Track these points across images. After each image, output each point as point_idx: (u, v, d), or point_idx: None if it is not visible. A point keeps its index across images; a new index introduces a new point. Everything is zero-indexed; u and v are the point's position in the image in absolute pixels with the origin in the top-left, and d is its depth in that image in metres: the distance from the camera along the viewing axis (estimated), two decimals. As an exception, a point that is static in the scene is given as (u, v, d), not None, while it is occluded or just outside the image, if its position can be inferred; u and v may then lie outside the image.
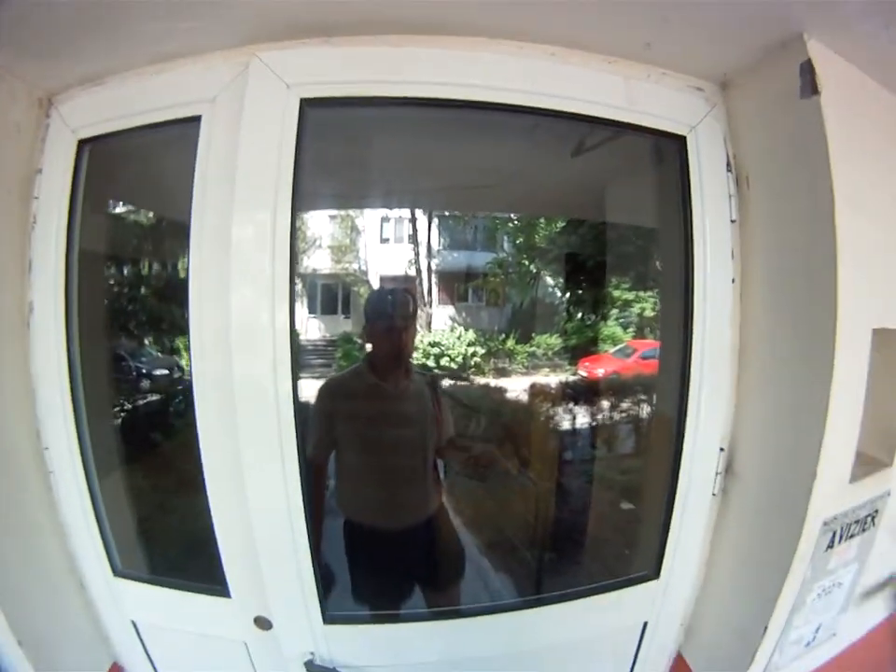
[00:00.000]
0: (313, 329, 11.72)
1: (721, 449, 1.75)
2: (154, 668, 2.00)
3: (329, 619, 1.75)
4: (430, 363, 8.84)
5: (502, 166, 2.71)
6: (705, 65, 1.65)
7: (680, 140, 1.69)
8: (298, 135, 1.52)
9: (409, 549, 2.46)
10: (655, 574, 1.85)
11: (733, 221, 1.69)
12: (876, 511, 1.70)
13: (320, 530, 2.33)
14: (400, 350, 2.42)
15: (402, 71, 1.54)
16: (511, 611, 1.90)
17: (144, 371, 5.78)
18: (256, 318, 1.53)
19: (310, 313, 11.85)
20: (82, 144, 1.74)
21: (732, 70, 1.65)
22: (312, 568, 1.68)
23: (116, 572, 1.90)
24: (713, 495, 1.78)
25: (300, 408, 1.60)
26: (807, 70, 1.41)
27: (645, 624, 1.92)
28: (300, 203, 1.53)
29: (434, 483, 2.49)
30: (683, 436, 1.74)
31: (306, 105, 1.52)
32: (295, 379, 1.58)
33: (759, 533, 1.66)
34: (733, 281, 1.70)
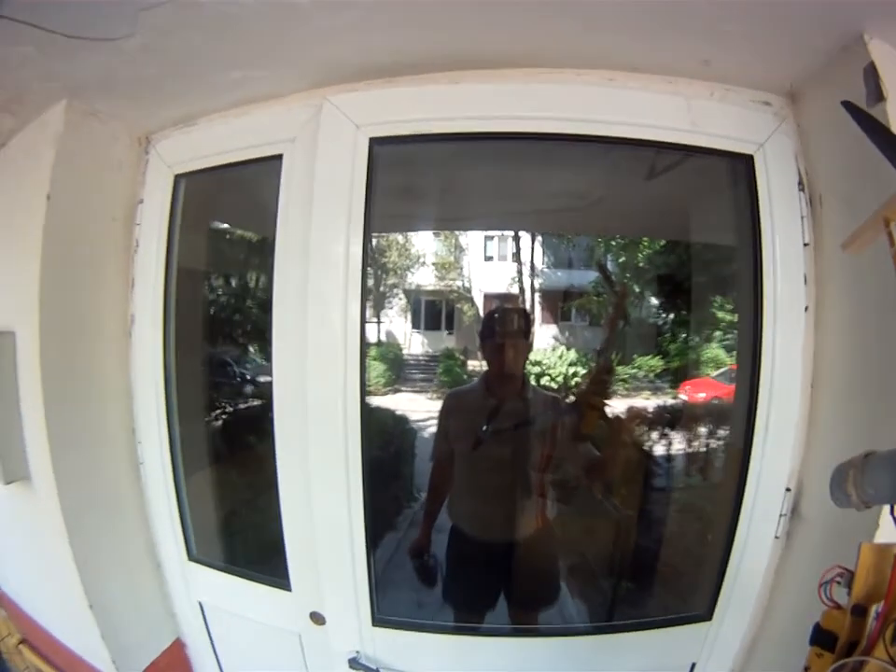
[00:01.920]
0: (416, 344, 11.96)
1: (788, 489, 1.64)
2: (213, 647, 2.18)
3: (377, 621, 1.82)
4: (531, 382, 8.78)
5: (584, 191, 2.73)
6: (769, 77, 1.57)
7: (747, 159, 1.62)
8: (368, 171, 1.63)
9: (502, 562, 2.47)
10: (708, 615, 1.78)
11: (806, 244, 1.59)
12: None
13: (430, 528, 2.55)
14: (512, 368, 2.44)
15: (460, 108, 1.60)
16: (558, 637, 1.91)
17: (248, 376, 6.07)
18: (329, 338, 1.66)
19: (413, 328, 12.11)
20: (178, 178, 1.98)
21: (797, 79, 1.55)
22: (367, 572, 1.77)
23: (191, 556, 2.10)
24: (776, 537, 1.67)
25: (368, 421, 1.71)
26: (871, 75, 1.29)
27: (693, 665, 1.83)
28: (387, 224, 1.66)
29: (537, 503, 2.49)
30: (747, 473, 1.65)
31: (375, 143, 1.63)
32: (363, 393, 1.68)
33: None
34: (806, 309, 1.59)
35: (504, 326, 2.54)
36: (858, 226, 1.11)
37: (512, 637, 1.97)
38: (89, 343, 1.89)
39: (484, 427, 2.39)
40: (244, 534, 2.56)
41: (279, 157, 1.77)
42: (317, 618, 1.86)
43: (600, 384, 2.52)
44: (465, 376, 9.87)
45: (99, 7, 1.29)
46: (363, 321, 1.67)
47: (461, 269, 12.19)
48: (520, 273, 11.66)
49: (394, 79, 1.66)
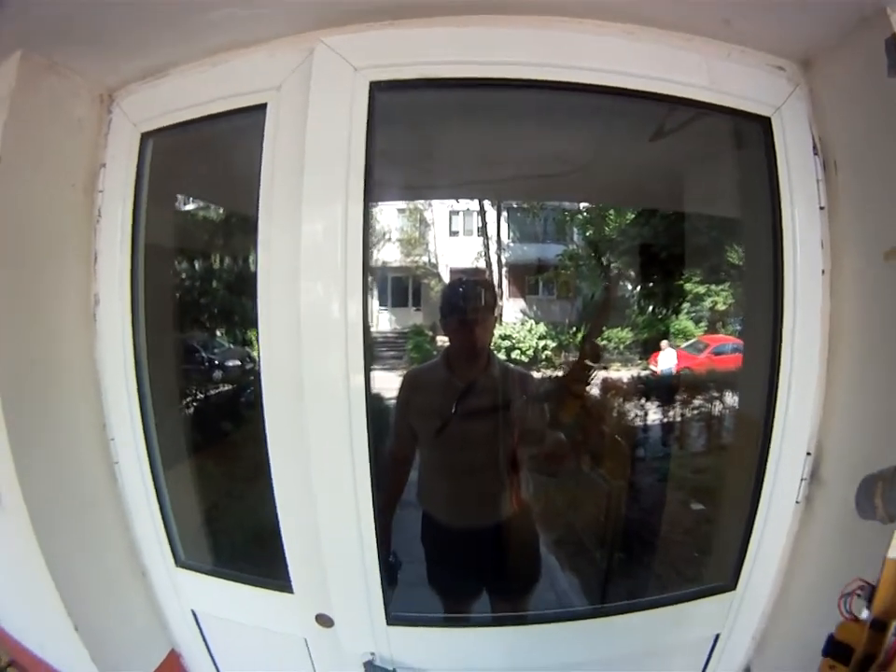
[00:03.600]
0: (383, 321, 11.86)
1: (809, 453, 1.63)
2: (212, 657, 2.04)
3: (392, 619, 1.72)
4: (501, 356, 8.82)
5: (578, 153, 2.63)
6: (785, 43, 1.55)
7: (765, 122, 1.58)
8: (369, 121, 1.48)
9: (482, 548, 2.39)
10: (732, 585, 1.75)
11: (821, 208, 1.58)
12: None
13: (390, 524, 2.31)
14: (474, 344, 2.32)
15: (473, 51, 1.48)
16: (580, 619, 1.84)
17: (216, 361, 5.93)
18: (327, 313, 1.50)
19: (380, 305, 12.01)
20: (145, 137, 1.77)
21: (814, 48, 1.54)
22: (378, 568, 1.65)
23: (178, 562, 1.92)
24: (797, 502, 1.67)
25: (372, 403, 1.56)
26: (893, 47, 1.30)
27: (717, 637, 1.82)
28: (372, 193, 1.50)
29: (512, 481, 2.39)
30: (770, 439, 1.63)
31: (376, 88, 1.49)
32: (368, 374, 1.54)
33: (843, 546, 1.54)
34: (822, 272, 1.58)
35: (465, 300, 2.42)
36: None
37: (537, 623, 1.89)
38: (47, 328, 1.68)
39: (453, 409, 2.27)
40: (234, 533, 2.45)
41: (262, 107, 1.59)
42: (324, 620, 1.74)
43: (582, 370, 2.46)
44: (434, 352, 9.83)
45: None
46: (365, 293, 1.51)
47: (427, 244, 12.11)
48: (486, 247, 11.62)
49: (396, 21, 1.51)
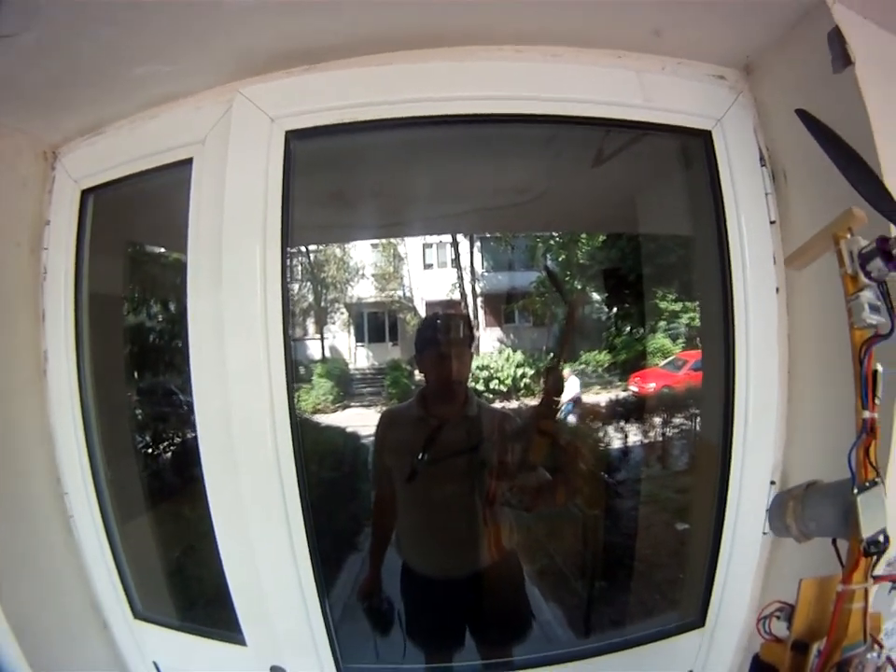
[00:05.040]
0: (361, 357, 11.83)
1: (772, 482, 1.57)
2: None
3: (343, 669, 1.67)
4: (480, 387, 8.77)
5: (528, 184, 2.61)
6: (723, 50, 1.52)
7: (706, 135, 1.55)
8: (285, 169, 1.48)
9: (464, 598, 2.26)
10: (700, 621, 1.68)
11: (772, 222, 1.53)
12: None
13: (378, 568, 2.29)
14: (450, 380, 2.23)
15: (391, 90, 1.46)
16: (551, 665, 1.75)
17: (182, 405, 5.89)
18: (251, 355, 1.49)
19: (357, 342, 11.99)
20: (85, 193, 1.78)
21: (754, 51, 1.51)
22: (322, 617, 1.60)
23: (136, 615, 1.88)
24: (764, 534, 1.59)
25: (300, 449, 1.55)
26: (836, 39, 1.26)
27: None
28: (309, 236, 1.56)
29: (491, 528, 2.26)
30: (729, 467, 1.57)
31: (292, 136, 1.48)
32: (293, 419, 1.53)
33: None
34: (777, 290, 1.53)
35: (439, 335, 2.32)
36: (803, 242, 1.10)
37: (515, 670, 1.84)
38: (2, 384, 1.68)
39: (420, 455, 2.17)
40: (190, 584, 2.34)
41: (188, 161, 1.60)
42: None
43: (549, 406, 2.35)
44: (412, 387, 9.80)
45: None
46: (286, 339, 1.51)
47: (402, 278, 12.16)
48: (461, 278, 11.70)
49: (315, 66, 1.51)
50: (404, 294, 11.98)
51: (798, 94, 1.41)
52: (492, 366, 9.17)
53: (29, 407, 1.77)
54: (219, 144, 1.51)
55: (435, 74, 1.46)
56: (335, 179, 2.27)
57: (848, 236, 0.81)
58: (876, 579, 0.85)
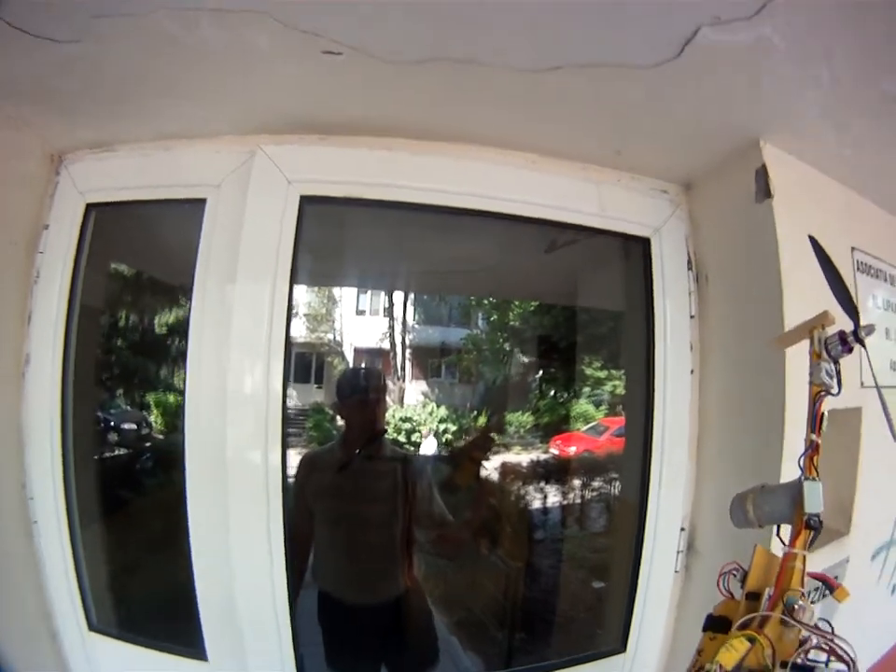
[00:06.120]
0: (285, 397, 11.60)
1: (682, 529, 1.82)
2: None
3: None
4: (401, 438, 8.81)
5: (480, 257, 2.86)
6: (670, 169, 1.82)
7: (645, 241, 1.84)
8: (297, 229, 1.64)
9: (376, 626, 2.41)
10: (622, 648, 1.88)
11: (692, 316, 1.82)
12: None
13: (295, 602, 2.36)
14: (370, 425, 2.44)
15: (392, 176, 1.68)
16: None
17: (112, 423, 5.72)
18: (251, 387, 1.62)
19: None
20: (90, 207, 1.83)
21: (695, 173, 1.81)
22: (291, 636, 1.70)
23: (91, 626, 1.86)
24: (676, 571, 1.83)
25: (287, 482, 1.66)
26: (762, 175, 1.56)
27: None
28: (295, 286, 1.65)
29: (403, 561, 2.47)
30: (645, 516, 1.81)
31: (305, 201, 1.65)
32: (284, 449, 1.65)
33: None
34: (692, 372, 1.82)
35: (359, 384, 2.59)
36: (788, 330, 1.33)
37: None
38: None
39: (338, 483, 2.39)
40: (148, 598, 2.33)
41: (202, 201, 1.72)
42: None
43: (486, 440, 2.60)
44: (333, 431, 9.72)
45: (52, 4, 1.19)
46: (286, 374, 1.65)
47: (333, 322, 12.12)
48: (392, 328, 11.74)
49: (327, 137, 1.70)
50: (334, 338, 11.91)
51: (726, 213, 1.75)
52: (415, 418, 9.26)
53: (2, 408, 1.75)
54: (236, 192, 1.65)
55: (432, 167, 1.69)
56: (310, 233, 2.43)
57: (820, 329, 1.09)
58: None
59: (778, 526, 1.13)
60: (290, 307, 1.66)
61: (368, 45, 1.29)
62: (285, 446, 1.66)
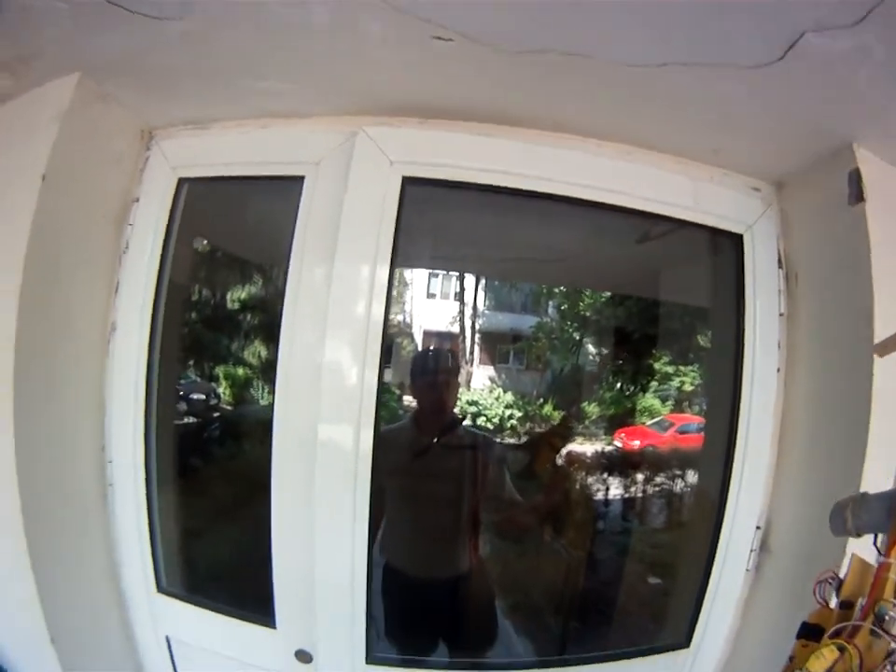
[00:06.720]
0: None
1: (758, 527, 1.82)
2: None
3: (371, 659, 1.79)
4: (467, 421, 8.84)
5: (569, 245, 2.89)
6: (763, 168, 1.80)
7: (737, 237, 1.83)
8: (399, 210, 1.68)
9: (437, 602, 2.50)
10: (686, 643, 1.90)
11: (781, 315, 1.81)
12: None
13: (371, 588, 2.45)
14: (440, 406, 2.54)
15: (492, 161, 1.71)
16: (532, 668, 2.00)
17: (181, 392, 5.97)
18: (346, 370, 1.67)
19: (352, 361, 11.90)
20: (182, 182, 1.89)
21: (787, 173, 1.79)
22: (365, 608, 1.75)
23: (160, 588, 1.94)
24: (747, 570, 1.83)
25: (376, 452, 1.69)
26: (855, 179, 1.53)
27: None
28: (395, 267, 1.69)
29: (469, 541, 2.55)
30: (723, 513, 1.81)
31: (407, 182, 1.69)
32: (377, 437, 1.69)
33: (789, 609, 1.64)
34: (778, 370, 1.80)
35: (432, 366, 2.71)
36: (888, 336, 1.36)
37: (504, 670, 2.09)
38: (64, 348, 1.71)
39: (416, 463, 2.46)
40: (216, 563, 2.49)
41: (300, 178, 1.75)
42: (303, 656, 1.79)
43: (566, 429, 2.62)
44: (400, 411, 9.80)
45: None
46: (382, 358, 1.68)
47: (403, 304, 12.18)
48: (461, 313, 11.71)
49: (427, 121, 1.74)
50: (404, 320, 11.98)
51: (817, 214, 1.72)
52: (481, 403, 9.26)
53: (86, 374, 1.81)
54: (336, 170, 1.68)
55: (530, 153, 1.71)
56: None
57: None
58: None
59: (876, 535, 1.11)
60: (391, 290, 1.68)
61: (478, 32, 1.30)
62: (378, 431, 1.69)
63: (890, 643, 0.98)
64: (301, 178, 1.76)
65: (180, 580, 2.10)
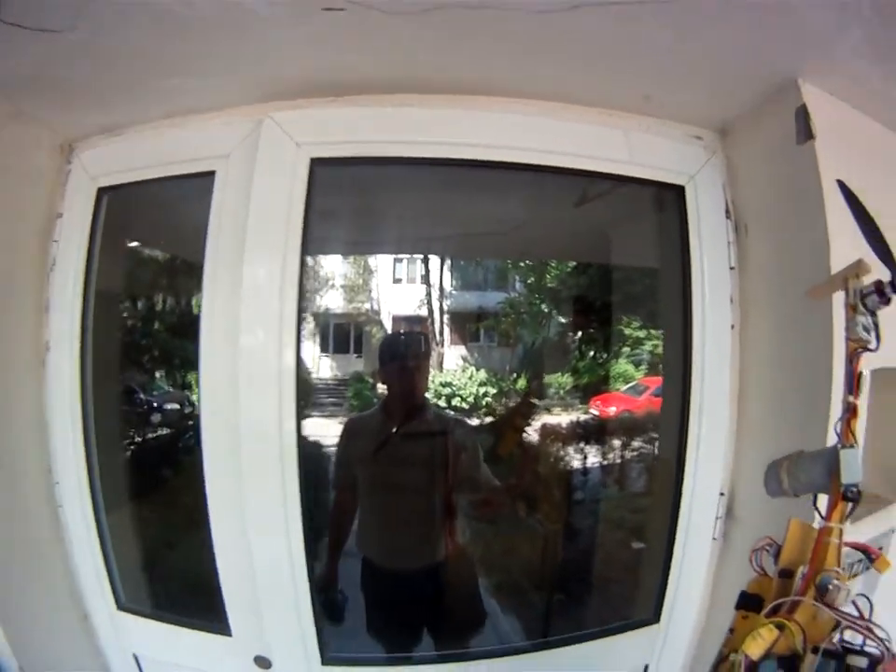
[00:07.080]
0: (325, 368, 11.74)
1: (722, 493, 1.74)
2: None
3: (327, 660, 1.74)
4: (442, 403, 8.82)
5: (510, 216, 2.79)
6: (703, 114, 1.71)
7: (679, 189, 1.74)
8: (308, 193, 1.60)
9: (417, 592, 2.43)
10: (655, 618, 1.84)
11: (732, 268, 1.72)
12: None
13: (335, 568, 2.39)
14: (411, 391, 2.45)
15: (405, 132, 1.62)
16: (515, 654, 1.91)
17: (154, 404, 5.86)
18: (263, 358, 1.60)
19: (322, 352, 11.88)
20: (101, 191, 1.83)
21: (730, 118, 1.70)
22: (311, 610, 1.70)
23: (119, 606, 1.91)
24: (714, 539, 1.76)
25: (304, 450, 1.64)
26: (802, 115, 1.45)
27: (646, 667, 1.89)
28: (314, 247, 1.62)
29: (446, 526, 2.47)
30: (682, 480, 1.74)
31: (315, 163, 1.60)
32: (299, 421, 1.64)
33: None
34: (732, 327, 1.72)
35: (399, 351, 2.58)
36: (824, 280, 1.25)
37: (476, 659, 1.93)
38: (2, 370, 1.72)
39: (383, 452, 2.38)
40: (174, 576, 2.43)
41: (211, 174, 1.70)
42: (262, 661, 1.76)
43: (528, 407, 2.56)
44: (374, 399, 9.79)
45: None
46: (298, 346, 1.64)
47: (370, 291, 12.14)
48: (429, 295, 11.71)
49: (338, 99, 1.64)
50: (371, 307, 11.94)
51: (765, 158, 1.63)
52: (455, 383, 9.24)
53: (25, 396, 1.79)
54: (245, 161, 1.61)
55: (447, 119, 1.62)
56: (330, 197, 2.39)
57: (856, 279, 1.01)
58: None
59: (815, 496, 1.07)
60: (303, 276, 1.62)
61: (366, -3, 1.20)
62: (300, 418, 1.64)
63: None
64: (213, 173, 1.70)
65: (140, 596, 2.08)
